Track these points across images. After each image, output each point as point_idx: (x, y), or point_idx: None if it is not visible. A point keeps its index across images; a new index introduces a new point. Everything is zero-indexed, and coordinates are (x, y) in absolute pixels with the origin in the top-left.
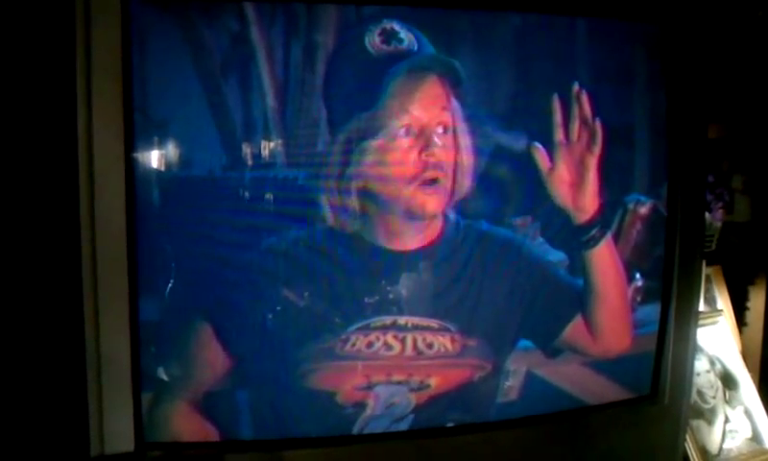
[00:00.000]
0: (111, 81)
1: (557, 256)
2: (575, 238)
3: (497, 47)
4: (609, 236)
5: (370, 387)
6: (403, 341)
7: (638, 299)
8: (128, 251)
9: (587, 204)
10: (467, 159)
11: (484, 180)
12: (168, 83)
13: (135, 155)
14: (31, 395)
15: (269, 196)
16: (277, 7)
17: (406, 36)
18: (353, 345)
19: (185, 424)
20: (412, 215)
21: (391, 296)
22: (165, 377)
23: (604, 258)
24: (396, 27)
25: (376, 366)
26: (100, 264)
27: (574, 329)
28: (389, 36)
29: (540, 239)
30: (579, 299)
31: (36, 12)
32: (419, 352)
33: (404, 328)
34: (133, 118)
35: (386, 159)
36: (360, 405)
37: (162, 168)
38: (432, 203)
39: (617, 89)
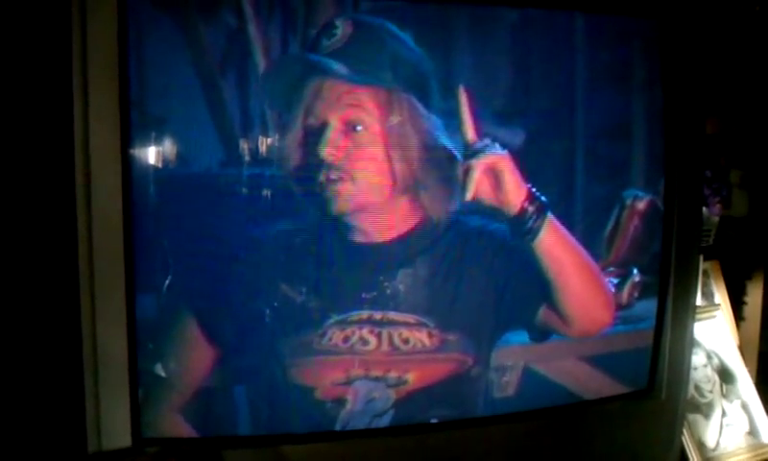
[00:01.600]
0: (108, 76)
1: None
2: (515, 232)
3: (488, 42)
4: (548, 223)
5: (348, 382)
6: (379, 336)
7: (636, 293)
8: (124, 247)
9: (510, 199)
10: (387, 157)
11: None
12: (165, 78)
13: (132, 150)
14: (28, 391)
15: (254, 193)
16: (275, 2)
17: (340, 31)
18: (330, 339)
19: (182, 420)
20: (342, 212)
21: (365, 290)
22: (162, 373)
23: (549, 247)
24: (337, 21)
25: (353, 361)
26: (97, 260)
27: (545, 315)
28: (322, 33)
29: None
30: (541, 287)
31: (31, 5)
32: (395, 348)
33: (380, 323)
34: (130, 114)
35: (295, 158)
36: (339, 401)
37: (159, 164)
38: (340, 199)
39: (615, 85)
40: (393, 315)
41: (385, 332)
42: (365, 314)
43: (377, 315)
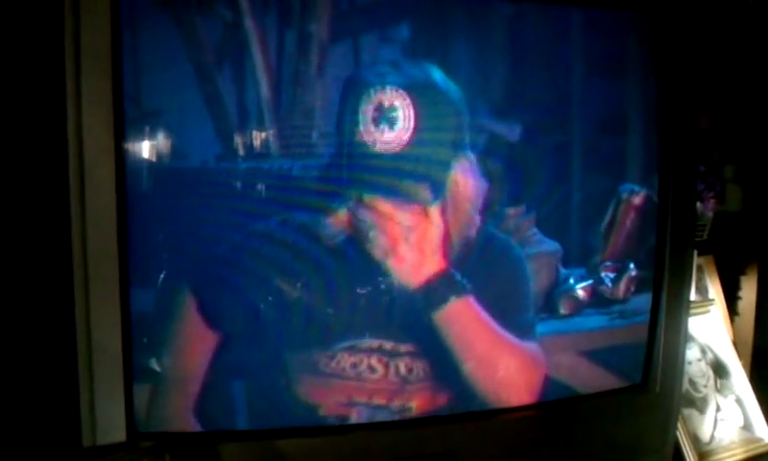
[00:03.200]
0: (101, 68)
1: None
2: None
3: (479, 38)
4: (455, 305)
5: (351, 405)
6: (387, 365)
7: (632, 288)
8: (119, 241)
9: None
10: None
11: None
12: (160, 70)
13: (126, 144)
14: (23, 386)
15: (260, 189)
16: None
17: (400, 116)
18: (338, 362)
19: (177, 415)
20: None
21: (378, 319)
22: (157, 368)
23: (452, 327)
24: (397, 101)
25: (359, 387)
26: (91, 254)
27: None
28: (381, 113)
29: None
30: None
31: None
32: (401, 377)
33: (389, 353)
34: (124, 107)
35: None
36: (343, 417)
37: (153, 158)
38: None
39: (609, 80)
40: (401, 345)
41: (393, 362)
42: (375, 343)
43: (387, 345)
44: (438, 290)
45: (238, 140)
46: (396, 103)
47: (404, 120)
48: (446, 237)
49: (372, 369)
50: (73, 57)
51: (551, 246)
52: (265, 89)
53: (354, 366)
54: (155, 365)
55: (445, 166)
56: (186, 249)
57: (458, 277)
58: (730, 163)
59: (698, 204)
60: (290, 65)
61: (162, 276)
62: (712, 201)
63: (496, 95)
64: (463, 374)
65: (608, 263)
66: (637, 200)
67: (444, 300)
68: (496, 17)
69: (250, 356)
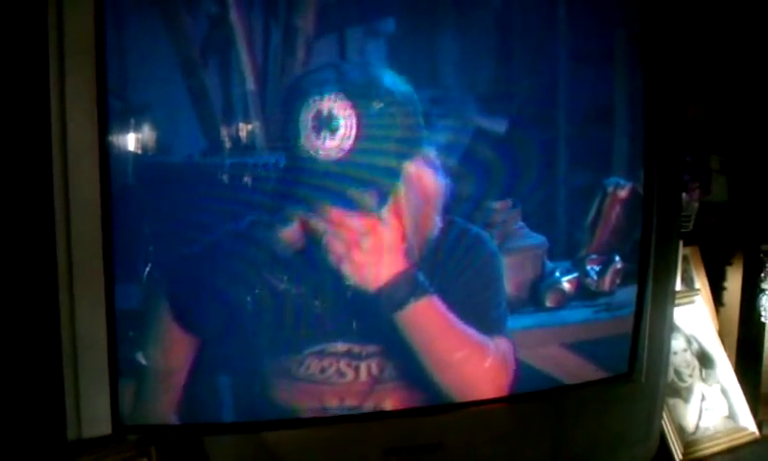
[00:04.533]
0: (85, 64)
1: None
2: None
3: (464, 27)
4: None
5: (324, 410)
6: (357, 369)
7: (617, 280)
8: (103, 236)
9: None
10: None
11: None
12: (144, 64)
13: (110, 139)
14: (7, 379)
15: (246, 183)
16: None
17: (341, 124)
18: (308, 368)
19: (162, 408)
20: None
21: (341, 322)
22: (142, 362)
23: (414, 326)
24: (335, 110)
25: (330, 391)
26: (75, 249)
27: None
28: (321, 122)
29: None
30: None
31: None
32: (373, 378)
33: (357, 356)
34: (108, 102)
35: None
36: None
37: (138, 152)
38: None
39: (595, 72)
40: (368, 347)
41: (362, 364)
42: (343, 347)
43: (356, 348)
44: (398, 292)
45: (223, 135)
46: (336, 111)
47: (345, 128)
48: (404, 239)
49: (341, 373)
50: (57, 51)
51: (537, 239)
52: (251, 82)
53: (323, 370)
54: (140, 359)
55: (392, 172)
56: (171, 243)
57: (420, 277)
58: (716, 154)
59: (683, 194)
60: (275, 59)
61: (147, 271)
62: (698, 191)
63: (480, 87)
64: (431, 371)
65: (593, 256)
66: (623, 193)
67: (405, 301)
68: (479, 7)
69: (230, 352)
